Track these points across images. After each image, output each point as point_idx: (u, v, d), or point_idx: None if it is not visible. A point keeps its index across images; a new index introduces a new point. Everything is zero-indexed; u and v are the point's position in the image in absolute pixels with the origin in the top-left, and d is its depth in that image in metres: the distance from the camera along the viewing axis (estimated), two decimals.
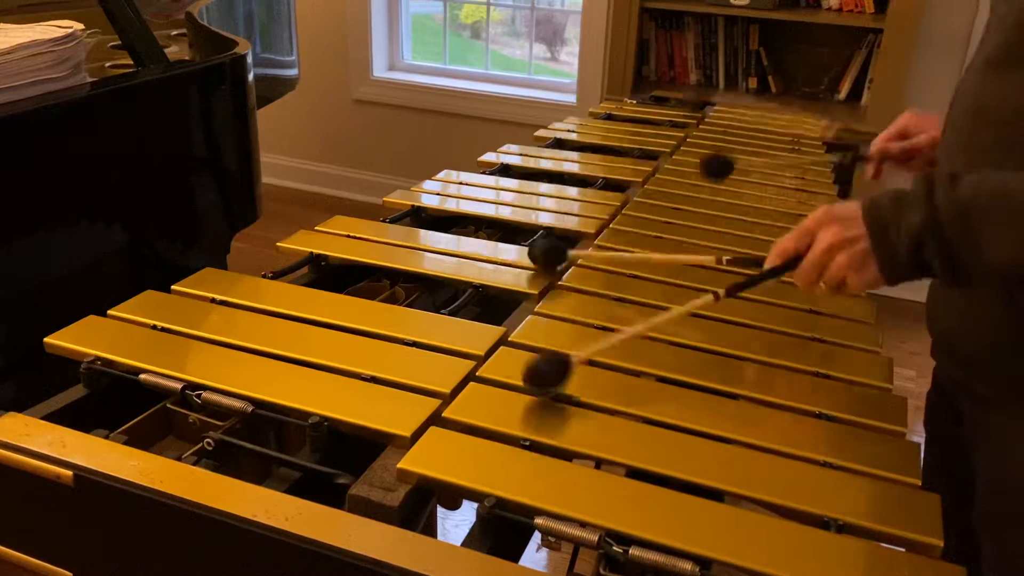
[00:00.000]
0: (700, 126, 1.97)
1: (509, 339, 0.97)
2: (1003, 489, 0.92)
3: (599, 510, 0.70)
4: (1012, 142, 0.84)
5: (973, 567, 0.72)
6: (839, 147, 1.49)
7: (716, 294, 0.90)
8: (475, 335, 0.96)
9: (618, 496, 0.73)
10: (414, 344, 0.94)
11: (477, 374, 0.89)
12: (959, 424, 1.00)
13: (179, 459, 0.76)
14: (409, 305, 1.12)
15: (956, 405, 1.01)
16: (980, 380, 0.93)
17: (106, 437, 0.79)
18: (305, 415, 0.80)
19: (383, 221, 1.32)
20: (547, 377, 0.85)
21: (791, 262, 0.86)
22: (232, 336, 0.94)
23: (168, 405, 0.85)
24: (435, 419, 0.82)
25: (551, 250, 1.15)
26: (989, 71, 0.87)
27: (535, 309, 1.05)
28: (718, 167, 1.37)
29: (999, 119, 0.85)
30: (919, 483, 0.77)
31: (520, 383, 0.87)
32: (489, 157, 1.67)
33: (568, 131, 1.87)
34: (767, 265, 0.88)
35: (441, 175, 1.56)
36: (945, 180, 0.78)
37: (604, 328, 1.01)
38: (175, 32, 2.43)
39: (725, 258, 0.99)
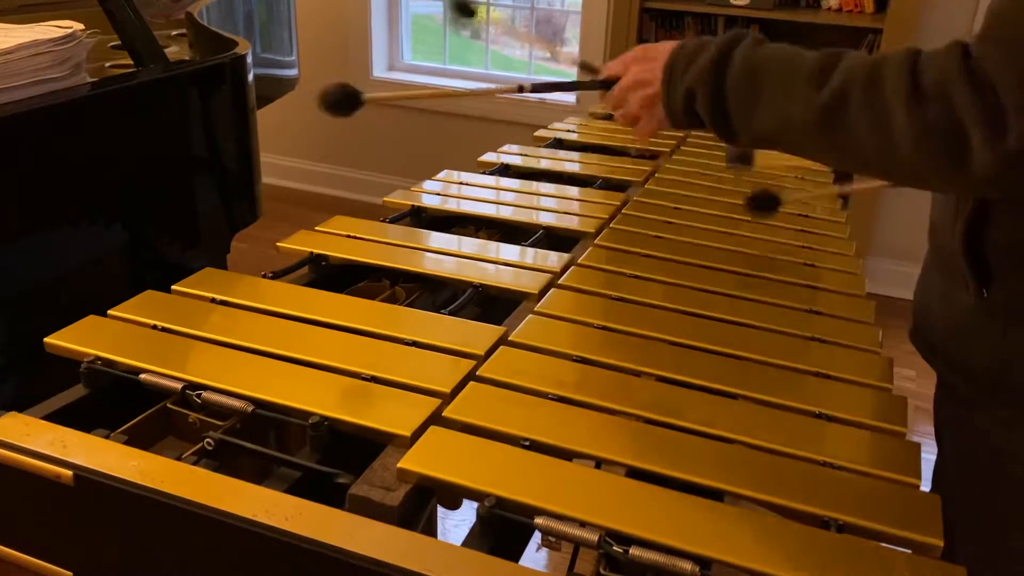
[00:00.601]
0: None
1: (509, 339, 0.97)
2: (958, 472, 0.92)
3: (599, 510, 0.70)
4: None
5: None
6: None
7: (521, 86, 0.95)
8: (475, 335, 0.96)
9: (618, 496, 0.73)
10: (414, 344, 0.94)
11: (477, 374, 0.89)
12: (941, 410, 0.99)
13: (179, 459, 0.76)
14: (409, 305, 1.12)
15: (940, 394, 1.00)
16: (943, 365, 0.92)
17: (106, 437, 0.79)
18: (305, 415, 0.80)
19: (383, 221, 1.32)
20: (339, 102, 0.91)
21: (603, 83, 0.92)
22: (232, 336, 0.94)
23: (168, 405, 0.85)
24: (435, 419, 0.82)
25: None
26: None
27: (535, 309, 1.05)
28: (765, 202, 1.30)
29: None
30: (919, 483, 0.77)
31: (520, 383, 0.87)
32: (489, 157, 1.67)
33: (568, 131, 1.87)
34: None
35: (441, 175, 1.56)
36: (755, 39, 0.80)
37: (604, 328, 1.01)
38: (175, 32, 2.43)
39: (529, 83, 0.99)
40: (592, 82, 0.93)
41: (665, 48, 0.86)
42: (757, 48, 0.79)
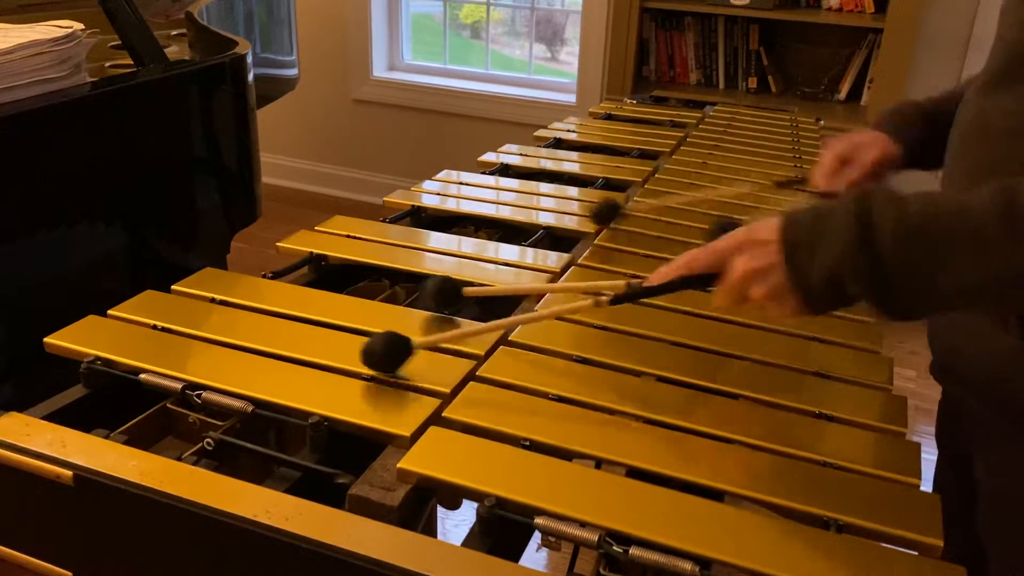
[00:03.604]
0: (700, 126, 1.97)
1: (509, 339, 0.97)
2: (1003, 508, 0.92)
3: (599, 510, 0.70)
4: (1018, 153, 0.80)
5: (974, 568, 0.72)
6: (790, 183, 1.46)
7: (598, 301, 0.82)
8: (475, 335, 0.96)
9: (618, 496, 0.73)
10: None
11: (477, 374, 0.89)
12: (964, 435, 1.00)
13: (179, 459, 0.76)
14: (409, 305, 1.12)
15: (960, 418, 1.00)
16: (979, 401, 0.93)
17: (106, 437, 0.79)
18: (305, 415, 0.80)
19: (383, 221, 1.32)
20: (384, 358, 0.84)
21: (698, 279, 0.79)
22: (232, 336, 0.94)
23: (168, 405, 0.85)
24: (435, 419, 0.82)
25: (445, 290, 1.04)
26: (991, 89, 0.86)
27: (535, 309, 1.04)
28: (606, 213, 1.31)
29: (1006, 129, 0.83)
30: (919, 483, 0.77)
31: (520, 383, 0.87)
32: (489, 157, 1.67)
33: (568, 131, 1.87)
34: (669, 275, 0.80)
35: (441, 175, 1.56)
36: (887, 199, 0.68)
37: (604, 328, 1.01)
38: (175, 32, 2.43)
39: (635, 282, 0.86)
40: (688, 280, 0.79)
41: (770, 228, 0.73)
42: (903, 209, 0.68)
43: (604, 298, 0.80)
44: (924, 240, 0.66)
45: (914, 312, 0.70)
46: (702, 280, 0.79)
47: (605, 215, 1.31)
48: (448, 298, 1.01)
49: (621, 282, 0.85)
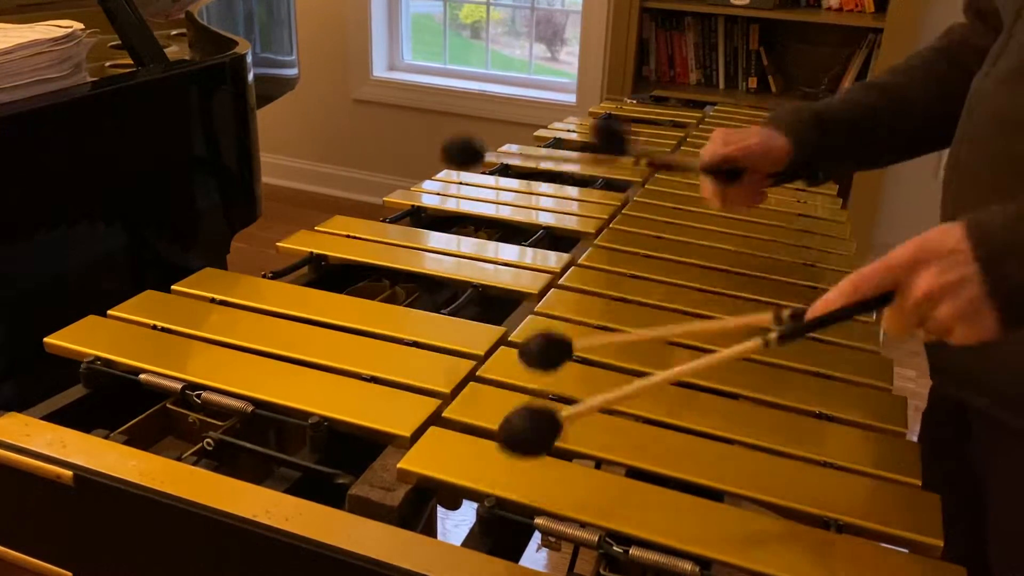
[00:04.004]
0: (700, 126, 1.97)
1: (509, 339, 0.97)
2: (1013, 509, 0.91)
3: (599, 510, 0.70)
4: None
5: (974, 568, 0.72)
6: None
7: (766, 341, 0.70)
8: (475, 335, 0.96)
9: (618, 496, 0.73)
10: (414, 344, 0.94)
11: (477, 374, 0.89)
12: (961, 434, 0.99)
13: (179, 459, 0.76)
14: (409, 305, 1.12)
15: (957, 418, 1.00)
16: (995, 403, 0.92)
17: (106, 437, 0.79)
18: (305, 415, 0.80)
19: (383, 221, 1.32)
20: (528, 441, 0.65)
21: (870, 302, 0.68)
22: (232, 336, 0.94)
23: (168, 405, 0.85)
24: (435, 419, 0.82)
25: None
26: (1016, 80, 0.84)
27: (535, 309, 1.05)
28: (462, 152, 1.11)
29: None
30: (919, 483, 0.77)
31: (520, 383, 0.87)
32: (489, 157, 1.67)
33: (568, 131, 1.87)
34: (836, 301, 0.69)
35: (441, 175, 1.56)
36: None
37: (604, 328, 1.01)
38: (175, 32, 2.43)
39: (785, 312, 0.72)
40: (863, 305, 0.68)
41: (953, 236, 0.66)
42: None
43: (772, 335, 0.70)
44: None
45: None
46: (875, 303, 0.68)
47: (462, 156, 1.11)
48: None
49: (767, 315, 0.73)
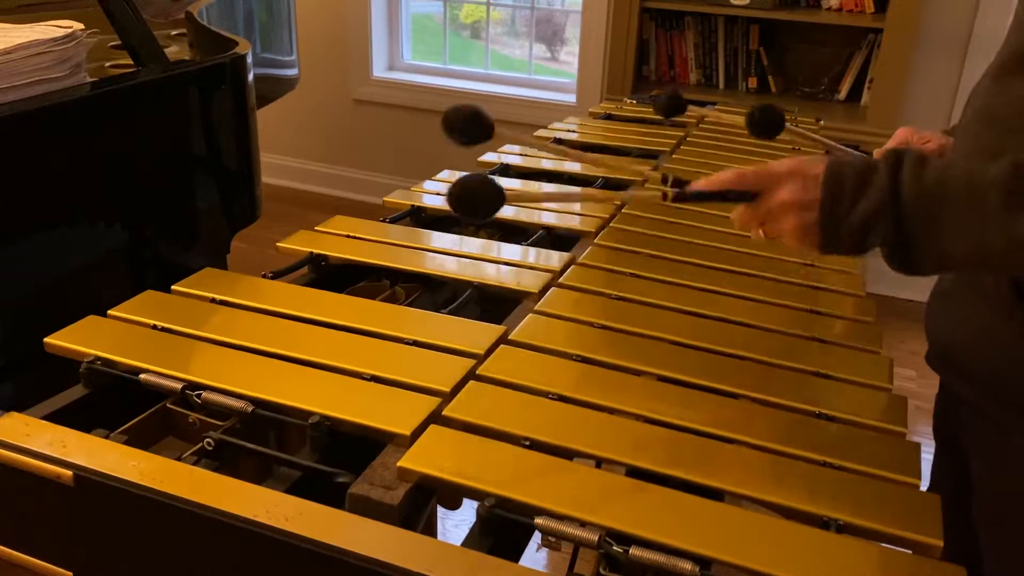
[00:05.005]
0: (700, 126, 1.97)
1: (509, 338, 0.97)
2: (1000, 499, 0.91)
3: (599, 510, 0.70)
4: (1016, 149, 0.80)
5: (974, 568, 0.72)
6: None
7: (664, 193, 0.86)
8: (475, 334, 0.96)
9: (618, 496, 0.73)
10: (414, 343, 0.94)
11: (477, 373, 0.89)
12: (961, 428, 1.00)
13: (179, 459, 0.76)
14: (409, 305, 1.12)
15: (957, 410, 1.00)
16: (977, 392, 0.92)
17: (106, 437, 0.79)
18: (305, 415, 0.80)
19: (383, 221, 1.32)
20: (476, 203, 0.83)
21: (742, 195, 0.82)
22: (232, 336, 0.94)
23: (168, 405, 0.85)
24: (435, 418, 0.82)
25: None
26: (1001, 76, 0.86)
27: (535, 308, 1.05)
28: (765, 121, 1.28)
29: (1006, 126, 0.83)
30: (919, 483, 0.77)
31: (520, 382, 0.87)
32: (489, 157, 1.67)
33: (568, 131, 1.87)
34: (720, 185, 0.83)
35: (441, 175, 1.56)
36: (915, 159, 0.73)
37: (604, 327, 1.01)
38: (175, 32, 2.43)
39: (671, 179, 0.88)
40: (737, 194, 0.82)
41: (820, 166, 0.77)
42: (924, 170, 0.73)
43: (669, 191, 0.86)
44: (933, 201, 0.71)
45: (920, 268, 0.75)
46: (742, 196, 0.82)
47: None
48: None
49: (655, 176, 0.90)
